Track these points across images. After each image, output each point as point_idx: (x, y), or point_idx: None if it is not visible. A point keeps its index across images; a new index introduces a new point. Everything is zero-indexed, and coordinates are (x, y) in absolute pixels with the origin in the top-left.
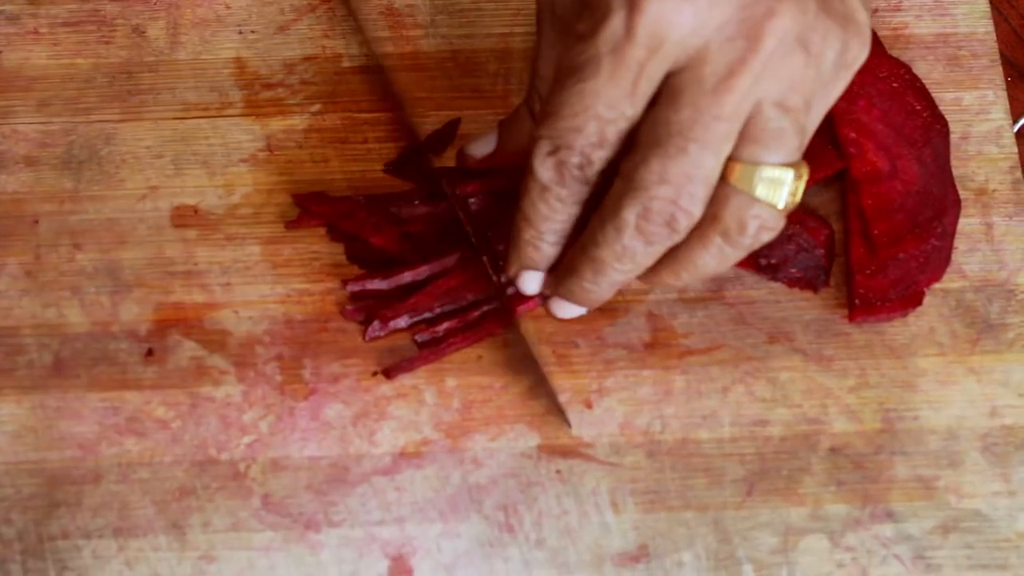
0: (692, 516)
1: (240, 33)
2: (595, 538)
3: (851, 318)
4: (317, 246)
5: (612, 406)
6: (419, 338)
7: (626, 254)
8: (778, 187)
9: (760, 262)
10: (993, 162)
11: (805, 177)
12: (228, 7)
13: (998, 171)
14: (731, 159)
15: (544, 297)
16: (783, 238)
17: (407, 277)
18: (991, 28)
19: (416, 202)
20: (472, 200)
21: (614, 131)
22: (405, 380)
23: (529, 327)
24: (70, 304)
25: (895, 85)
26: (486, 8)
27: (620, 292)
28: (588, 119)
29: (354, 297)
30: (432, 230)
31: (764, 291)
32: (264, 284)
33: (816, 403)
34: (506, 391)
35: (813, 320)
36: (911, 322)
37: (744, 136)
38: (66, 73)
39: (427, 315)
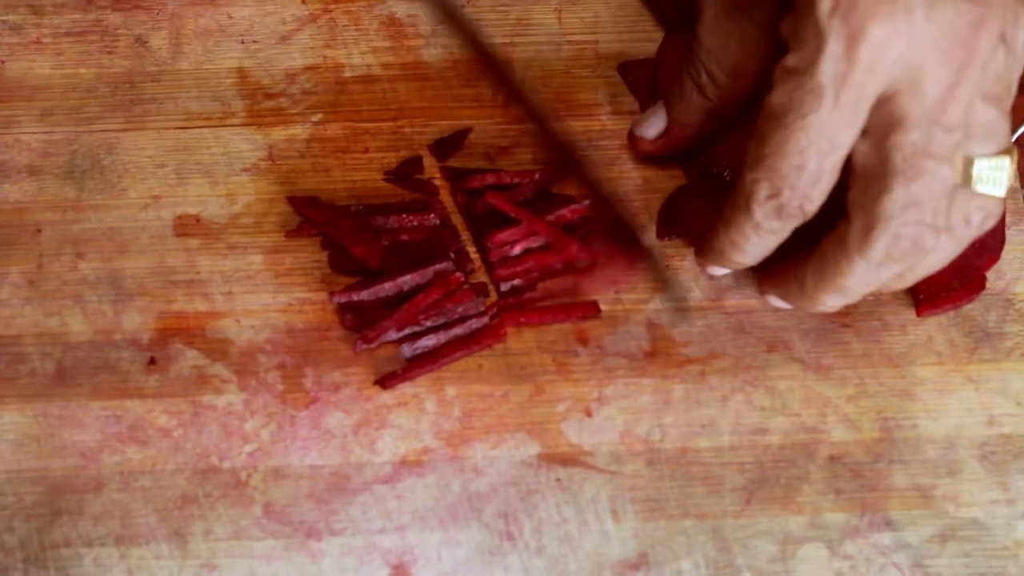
0: (691, 524)
1: (242, 43)
2: (595, 546)
3: (919, 312)
4: (319, 255)
5: (612, 414)
6: (407, 352)
7: (873, 280)
8: (999, 175)
9: None
10: None
11: (1015, 156)
12: (230, 17)
13: None
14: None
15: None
16: None
17: (388, 289)
18: None
19: (404, 214)
20: (470, 204)
21: (832, 163)
22: (406, 389)
23: (529, 336)
24: (72, 313)
25: None
26: (487, 18)
27: (620, 301)
28: (810, 155)
29: (342, 308)
30: (418, 241)
31: (763, 300)
32: (266, 293)
33: (815, 412)
34: (506, 400)
35: (812, 329)
36: (909, 331)
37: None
38: (69, 83)
39: (416, 328)
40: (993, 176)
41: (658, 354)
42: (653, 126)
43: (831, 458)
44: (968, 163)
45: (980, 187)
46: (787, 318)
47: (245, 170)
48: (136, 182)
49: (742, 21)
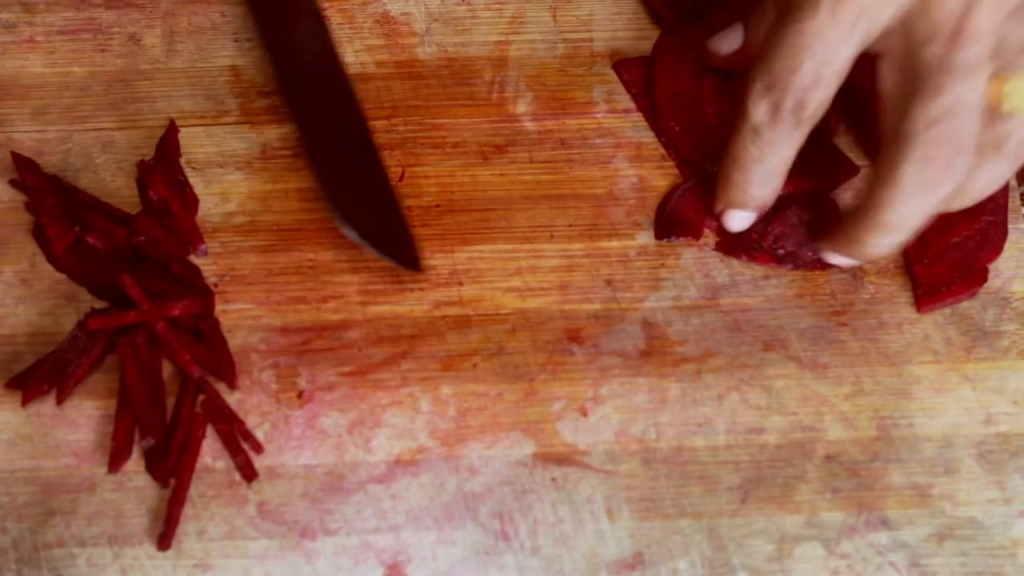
0: (687, 524)
1: (236, 41)
2: (590, 546)
3: (918, 307)
4: (313, 254)
5: (607, 414)
6: None
7: (917, 209)
8: None
9: (777, 253)
10: None
11: None
12: (224, 15)
13: None
14: (991, 80)
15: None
16: (793, 224)
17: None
18: None
19: (96, 214)
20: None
21: (830, 72)
22: (400, 388)
23: (524, 336)
24: (66, 312)
25: None
26: (482, 16)
27: (615, 300)
28: (804, 59)
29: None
30: (108, 250)
31: (759, 298)
32: (259, 292)
33: (811, 410)
34: (501, 399)
35: (808, 327)
36: (906, 329)
37: (995, 60)
38: (62, 81)
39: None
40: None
41: (653, 353)
42: (730, 42)
43: (828, 457)
44: (1003, 82)
45: (1011, 108)
46: (783, 316)
47: (239, 168)
48: (130, 180)
49: None
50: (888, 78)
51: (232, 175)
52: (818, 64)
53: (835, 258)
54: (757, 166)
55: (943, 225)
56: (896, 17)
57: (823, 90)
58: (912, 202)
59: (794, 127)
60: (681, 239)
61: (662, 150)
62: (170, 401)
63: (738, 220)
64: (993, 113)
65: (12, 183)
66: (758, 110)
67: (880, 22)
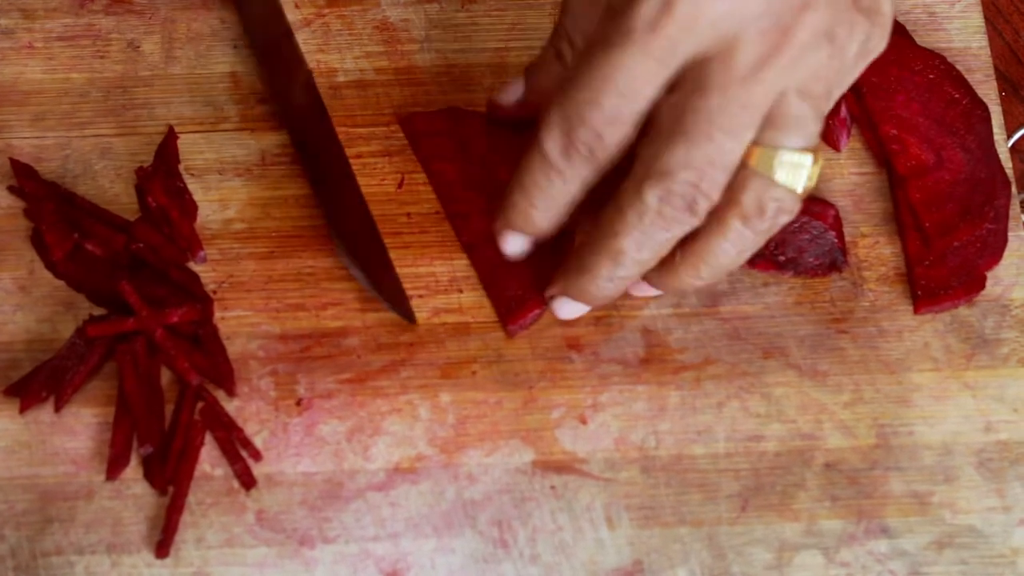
0: (687, 532)
1: (235, 48)
2: (590, 554)
3: (916, 310)
4: (312, 261)
5: (607, 421)
6: None
7: (646, 241)
8: (798, 171)
9: (778, 259)
10: None
11: (820, 162)
12: (223, 22)
13: None
14: (752, 143)
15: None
16: (794, 230)
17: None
18: (985, 43)
19: (96, 221)
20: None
21: (629, 111)
22: (399, 395)
23: (523, 343)
24: (64, 319)
25: (931, 76)
26: (481, 23)
27: (615, 307)
28: (607, 92)
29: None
30: (107, 258)
31: (759, 306)
32: (258, 298)
33: (811, 418)
34: (500, 406)
35: (808, 335)
36: (905, 337)
37: (766, 122)
38: (61, 87)
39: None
40: (791, 170)
41: (653, 360)
42: (512, 94)
43: (827, 465)
44: (772, 152)
45: (777, 177)
46: (782, 324)
47: (238, 175)
48: (128, 187)
49: None
50: (663, 109)
51: (231, 182)
52: (620, 100)
53: (566, 309)
54: (540, 194)
55: (947, 227)
56: (697, 54)
57: (621, 128)
58: (648, 234)
59: (585, 162)
60: None
61: None
62: (168, 408)
63: (513, 244)
64: (754, 176)
65: (11, 189)
66: (551, 139)
67: (686, 56)
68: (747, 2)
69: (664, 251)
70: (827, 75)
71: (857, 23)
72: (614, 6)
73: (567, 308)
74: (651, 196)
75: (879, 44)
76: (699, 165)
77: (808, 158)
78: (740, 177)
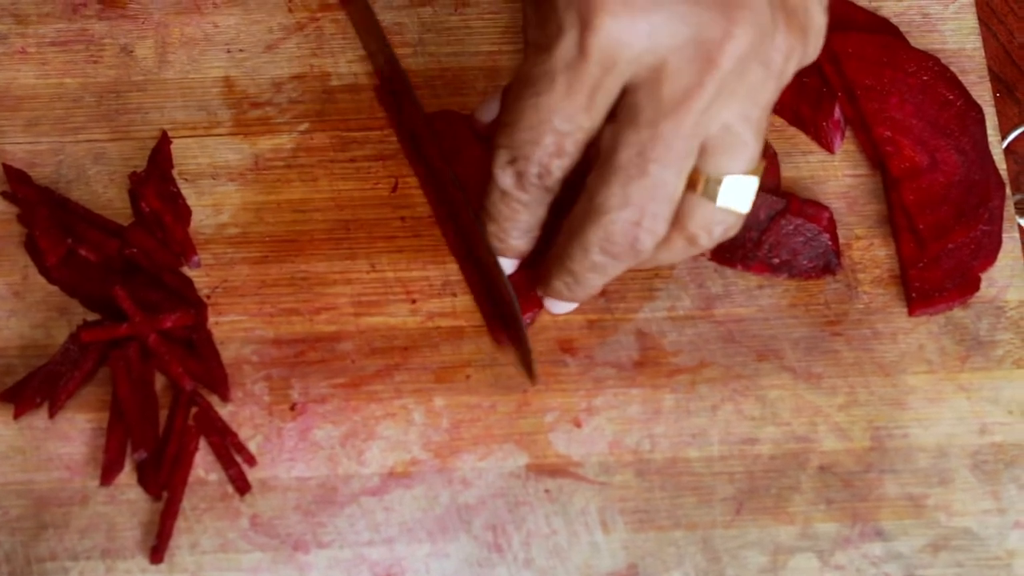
0: (681, 535)
1: (228, 52)
2: (584, 558)
3: (910, 312)
4: (305, 265)
5: (601, 425)
6: None
7: (596, 268)
8: (743, 193)
9: (772, 262)
10: None
11: (761, 174)
12: (216, 26)
13: None
14: (695, 170)
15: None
16: (788, 232)
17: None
18: (979, 44)
19: (90, 226)
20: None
21: (572, 143)
22: (393, 400)
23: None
24: (58, 324)
25: (925, 78)
26: (474, 27)
27: (609, 310)
28: (544, 132)
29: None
30: (99, 262)
31: (753, 309)
32: (252, 303)
33: (805, 421)
34: (494, 410)
35: (802, 338)
36: (900, 339)
37: (706, 149)
38: (54, 92)
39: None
40: (736, 193)
41: (647, 364)
42: (490, 112)
43: (822, 468)
44: (711, 178)
45: (722, 203)
46: (777, 327)
47: (231, 180)
48: (122, 192)
49: None
50: (605, 138)
51: (224, 186)
52: (559, 136)
53: (554, 307)
54: (508, 222)
55: (941, 229)
56: (626, 84)
57: (568, 158)
58: (594, 262)
59: (541, 191)
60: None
61: None
62: (163, 414)
63: (502, 263)
64: (698, 203)
65: (4, 195)
66: (504, 177)
67: (616, 87)
68: (665, 34)
69: (618, 272)
70: (763, 96)
71: (793, 47)
72: (533, 43)
73: (554, 307)
74: (592, 234)
75: (813, 54)
76: (638, 201)
77: (753, 180)
78: (686, 204)
